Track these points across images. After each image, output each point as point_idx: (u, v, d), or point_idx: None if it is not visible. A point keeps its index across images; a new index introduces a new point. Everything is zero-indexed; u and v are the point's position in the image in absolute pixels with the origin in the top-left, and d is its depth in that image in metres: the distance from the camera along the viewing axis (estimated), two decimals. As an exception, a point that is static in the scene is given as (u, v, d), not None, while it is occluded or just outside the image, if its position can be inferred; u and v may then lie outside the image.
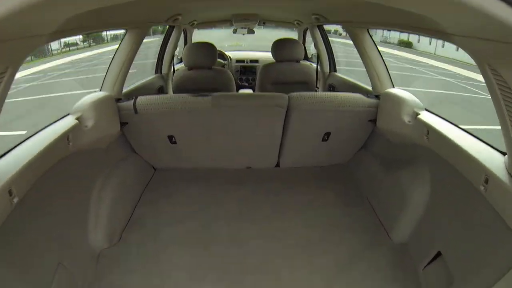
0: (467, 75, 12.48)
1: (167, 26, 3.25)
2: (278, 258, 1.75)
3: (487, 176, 1.29)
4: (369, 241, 1.86)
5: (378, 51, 2.37)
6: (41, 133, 1.57)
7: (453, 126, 1.68)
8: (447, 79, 12.11)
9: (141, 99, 2.20)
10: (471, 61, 1.16)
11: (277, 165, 2.62)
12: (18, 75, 1.06)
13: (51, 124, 1.69)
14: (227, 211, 2.12)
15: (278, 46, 2.99)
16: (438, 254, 1.55)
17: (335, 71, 3.38)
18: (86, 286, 1.55)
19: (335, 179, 2.46)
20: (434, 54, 17.78)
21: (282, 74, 3.03)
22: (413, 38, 20.56)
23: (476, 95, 9.82)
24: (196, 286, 1.60)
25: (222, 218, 2.06)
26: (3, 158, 1.30)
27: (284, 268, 1.69)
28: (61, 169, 1.58)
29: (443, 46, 16.99)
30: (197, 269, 1.69)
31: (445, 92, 9.84)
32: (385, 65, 2.35)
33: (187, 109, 2.19)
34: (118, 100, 2.21)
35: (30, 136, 1.52)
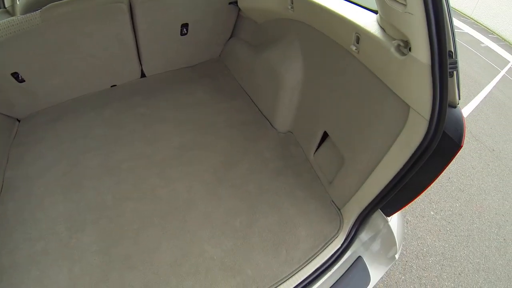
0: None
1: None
2: (152, 175, 1.67)
3: (358, 33, 1.22)
4: (253, 134, 1.81)
5: None
6: None
7: None
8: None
9: None
10: None
11: (143, 75, 2.36)
12: None
13: None
14: (94, 139, 1.94)
15: None
16: (325, 135, 1.51)
17: None
18: None
19: (209, 76, 2.30)
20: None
21: None
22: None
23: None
24: (78, 234, 1.51)
25: (90, 149, 1.89)
26: None
27: (160, 185, 1.62)
28: None
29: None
30: (74, 216, 1.58)
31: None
32: None
33: (16, 33, 1.76)
34: None
35: None
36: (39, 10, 1.75)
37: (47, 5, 1.78)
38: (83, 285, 1.35)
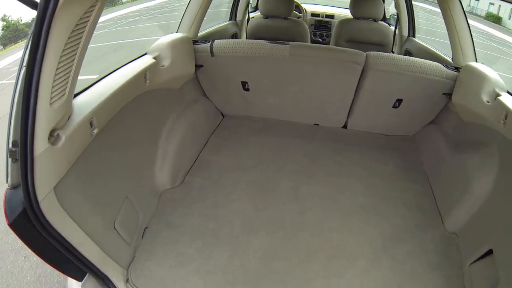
0: None
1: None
2: (332, 220, 1.80)
3: None
4: (422, 221, 1.83)
5: (466, 19, 2.15)
6: (120, 70, 1.62)
7: None
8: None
9: (218, 42, 2.23)
10: None
11: (345, 126, 2.58)
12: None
13: (129, 62, 1.74)
14: (289, 165, 2.17)
15: (357, 2, 2.86)
16: (489, 252, 1.47)
17: (414, 36, 3.15)
18: (146, 222, 1.69)
19: (400, 151, 2.39)
20: (525, 34, 15.48)
21: (358, 32, 2.92)
22: (503, 12, 17.92)
23: None
24: (249, 235, 1.68)
25: (284, 171, 2.11)
26: (86, 92, 1.37)
27: (335, 231, 1.74)
28: (136, 106, 1.65)
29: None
30: (252, 219, 1.77)
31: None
32: (472, 37, 2.14)
33: (264, 55, 2.17)
34: (195, 42, 2.25)
35: (111, 72, 1.58)
36: (288, 45, 2.16)
37: (294, 43, 2.19)
38: (235, 276, 1.50)
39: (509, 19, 17.67)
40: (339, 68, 2.17)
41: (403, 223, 1.81)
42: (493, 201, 1.61)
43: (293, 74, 2.27)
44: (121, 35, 9.80)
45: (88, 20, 1.00)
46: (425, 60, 2.15)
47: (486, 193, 1.64)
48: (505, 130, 1.58)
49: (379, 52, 2.15)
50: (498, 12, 18.17)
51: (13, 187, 1.02)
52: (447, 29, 2.20)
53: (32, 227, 1.03)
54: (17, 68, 1.00)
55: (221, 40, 2.27)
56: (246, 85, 2.39)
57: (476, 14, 18.85)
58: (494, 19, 18.24)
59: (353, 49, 2.17)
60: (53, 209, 1.08)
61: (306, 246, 1.65)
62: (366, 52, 2.14)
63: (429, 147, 2.31)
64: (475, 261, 1.53)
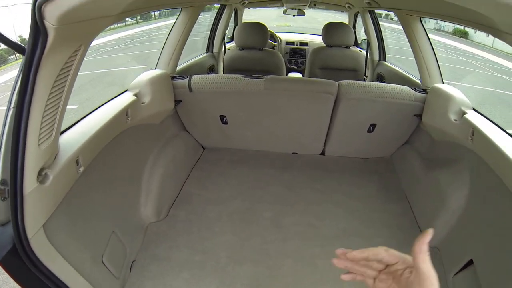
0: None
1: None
2: (314, 247, 1.81)
3: None
4: (403, 240, 1.85)
5: (430, 43, 2.28)
6: (103, 107, 1.66)
7: (500, 130, 1.59)
8: (504, 76, 11.09)
9: (195, 77, 2.27)
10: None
11: (322, 153, 2.63)
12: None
13: (111, 99, 1.78)
14: (271, 194, 2.19)
15: (329, 30, 2.98)
16: (470, 262, 1.51)
17: (385, 60, 3.30)
18: (133, 255, 1.70)
19: (377, 173, 2.46)
20: (492, 47, 16.38)
21: (331, 60, 3.03)
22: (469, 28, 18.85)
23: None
24: (236, 266, 1.69)
25: (264, 202, 2.13)
26: (71, 130, 1.40)
27: (319, 256, 1.75)
28: (119, 142, 1.69)
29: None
30: (237, 250, 1.78)
31: (500, 91, 9.04)
32: (436, 58, 2.26)
33: (240, 90, 2.22)
34: (173, 77, 2.28)
35: (94, 110, 1.62)
36: (263, 79, 2.20)
37: (269, 76, 2.23)
38: None
39: (475, 32, 18.57)
40: (313, 99, 2.23)
41: (385, 242, 1.80)
42: (469, 214, 1.67)
43: (268, 107, 2.32)
44: (100, 64, 9.77)
45: (73, 64, 1.04)
46: (395, 85, 2.24)
47: (461, 206, 1.72)
48: (473, 145, 1.67)
49: (350, 81, 2.22)
50: (465, 27, 19.06)
51: (1, 224, 1.05)
52: (413, 53, 2.31)
53: (21, 264, 1.04)
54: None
55: (199, 76, 2.31)
56: (224, 118, 2.42)
57: (444, 31, 19.80)
58: (461, 34, 19.15)
59: (325, 80, 2.22)
60: (42, 246, 1.10)
61: (291, 273, 1.66)
62: (338, 82, 2.20)
63: (405, 167, 2.38)
64: (457, 272, 1.57)
